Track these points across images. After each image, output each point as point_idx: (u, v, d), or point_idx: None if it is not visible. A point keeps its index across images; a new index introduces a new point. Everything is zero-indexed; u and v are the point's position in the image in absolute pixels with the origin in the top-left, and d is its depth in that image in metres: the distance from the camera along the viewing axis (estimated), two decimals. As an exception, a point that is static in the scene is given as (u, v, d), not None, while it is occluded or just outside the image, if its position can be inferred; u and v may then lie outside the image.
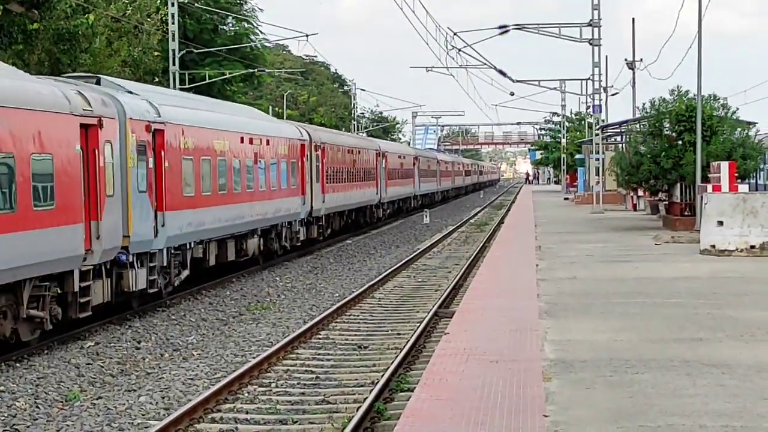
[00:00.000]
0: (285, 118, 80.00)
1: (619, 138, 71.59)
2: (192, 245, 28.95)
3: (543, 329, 18.15)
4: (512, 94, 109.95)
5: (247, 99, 77.34)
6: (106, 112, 23.17)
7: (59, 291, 21.28)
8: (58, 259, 20.81)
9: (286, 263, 38.97)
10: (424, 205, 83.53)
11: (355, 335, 22.90)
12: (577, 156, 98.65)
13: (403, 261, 38.32)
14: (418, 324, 23.11)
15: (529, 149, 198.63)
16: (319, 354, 20.65)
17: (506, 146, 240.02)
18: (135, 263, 24.80)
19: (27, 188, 19.64)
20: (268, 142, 36.46)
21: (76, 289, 21.77)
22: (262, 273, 35.57)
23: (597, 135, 67.97)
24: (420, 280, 33.54)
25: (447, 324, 20.52)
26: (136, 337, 22.76)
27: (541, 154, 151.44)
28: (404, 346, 20.01)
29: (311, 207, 43.31)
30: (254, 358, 19.70)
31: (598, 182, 66.67)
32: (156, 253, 26.15)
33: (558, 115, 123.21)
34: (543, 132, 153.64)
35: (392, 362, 18.50)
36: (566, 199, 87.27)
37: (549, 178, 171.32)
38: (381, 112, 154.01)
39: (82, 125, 21.99)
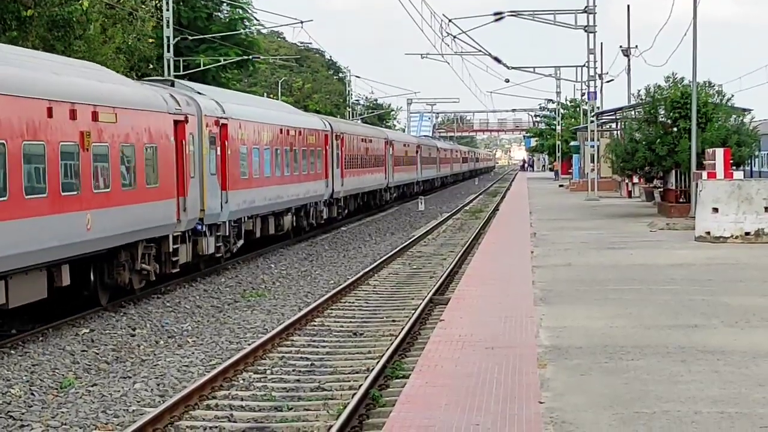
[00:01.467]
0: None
1: (614, 125, 71.65)
2: (245, 219, 35.02)
3: (538, 316, 18.16)
4: (507, 81, 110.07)
5: (241, 86, 77.26)
6: (189, 111, 29.03)
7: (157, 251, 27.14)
8: (160, 225, 26.76)
9: (281, 250, 38.99)
10: (425, 190, 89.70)
11: (350, 322, 22.91)
12: (572, 143, 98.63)
13: (398, 248, 38.33)
14: (413, 311, 23.13)
15: (524, 136, 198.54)
16: (314, 341, 20.66)
17: (501, 133, 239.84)
18: (207, 232, 30.66)
19: (142, 170, 25.51)
20: (300, 133, 42.93)
21: (170, 250, 27.70)
22: (257, 260, 35.59)
23: (592, 122, 67.97)
24: (415, 267, 33.55)
25: (442, 311, 20.52)
26: (131, 324, 22.76)
27: (536, 141, 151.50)
28: (399, 333, 20.02)
29: (332, 189, 49.52)
30: (249, 345, 19.70)
31: (593, 169, 66.67)
32: (221, 225, 32.18)
33: (553, 102, 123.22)
34: (538, 119, 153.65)
35: (387, 349, 18.51)
36: (561, 186, 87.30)
37: (544, 165, 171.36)
38: (376, 99, 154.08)
39: (174, 121, 27.87)
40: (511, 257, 28.66)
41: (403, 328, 20.57)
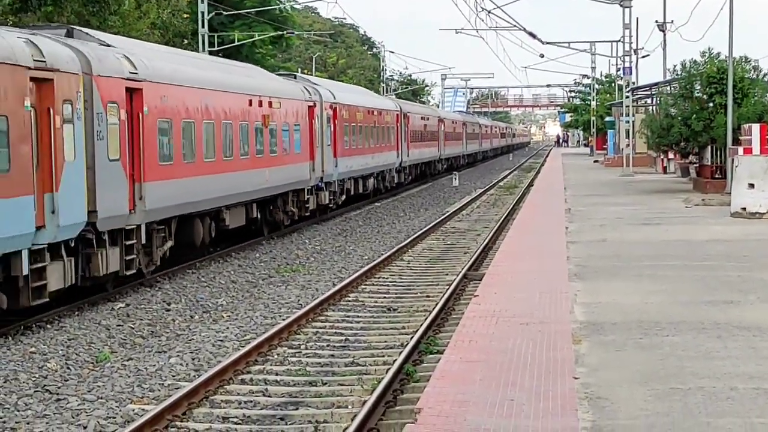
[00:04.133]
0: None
1: (649, 100, 71.25)
2: (347, 180, 45.64)
3: (573, 292, 18.12)
4: (542, 56, 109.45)
5: (275, 62, 77.25)
6: (315, 98, 39.99)
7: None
8: (301, 180, 37.34)
9: (315, 226, 39.03)
10: (470, 163, 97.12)
11: (385, 297, 22.92)
12: (607, 118, 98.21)
13: (432, 224, 38.30)
14: (448, 286, 23.11)
15: (558, 112, 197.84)
16: (348, 316, 20.69)
17: (536, 109, 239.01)
18: (324, 188, 40.72)
19: (293, 141, 36.34)
20: (380, 113, 53.38)
21: (305, 198, 38.25)
22: (291, 236, 35.65)
23: (627, 97, 67.65)
24: (449, 242, 33.52)
25: (476, 287, 20.52)
26: (165, 298, 22.85)
27: (571, 116, 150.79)
28: (434, 309, 20.02)
29: (401, 159, 58.96)
30: (284, 320, 19.75)
31: (628, 145, 66.38)
32: (333, 183, 42.25)
33: (588, 78, 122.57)
34: (573, 94, 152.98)
35: (421, 324, 18.51)
36: (596, 161, 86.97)
37: (579, 141, 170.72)
38: (410, 75, 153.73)
39: (308, 106, 38.40)
40: (546, 233, 28.60)
41: (437, 304, 20.57)
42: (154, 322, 20.27)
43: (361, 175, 48.59)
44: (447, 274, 26.11)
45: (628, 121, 67.36)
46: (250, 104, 31.68)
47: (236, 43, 61.61)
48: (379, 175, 53.34)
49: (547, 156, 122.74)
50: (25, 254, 18.71)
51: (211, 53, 52.86)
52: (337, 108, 43.11)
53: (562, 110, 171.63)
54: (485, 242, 31.07)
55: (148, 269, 24.70)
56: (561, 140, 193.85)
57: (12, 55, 18.43)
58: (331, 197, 42.36)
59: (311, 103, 39.03)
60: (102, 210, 21.70)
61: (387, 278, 25.86)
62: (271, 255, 30.47)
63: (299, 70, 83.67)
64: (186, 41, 60.76)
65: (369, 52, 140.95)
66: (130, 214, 23.13)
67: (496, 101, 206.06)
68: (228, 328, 19.53)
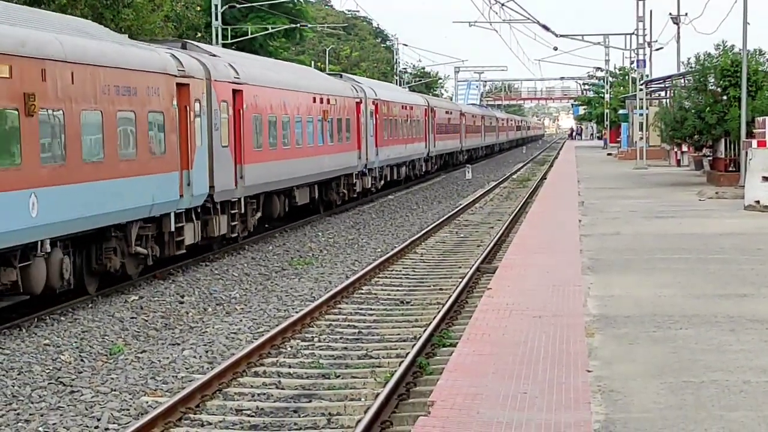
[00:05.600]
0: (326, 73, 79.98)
1: (663, 93, 71.10)
2: (385, 167, 51.78)
3: (586, 285, 18.11)
4: (555, 49, 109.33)
5: (289, 54, 77.26)
6: (362, 96, 46.65)
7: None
8: (350, 166, 43.36)
9: (328, 219, 39.06)
10: (488, 154, 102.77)
11: (398, 290, 22.92)
12: (621, 111, 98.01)
13: (446, 216, 38.28)
14: (461, 279, 23.10)
15: (572, 104, 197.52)
16: (361, 309, 20.70)
17: (549, 102, 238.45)
18: (367, 173, 47.16)
19: (345, 131, 42.70)
20: (411, 108, 59.79)
21: (353, 182, 44.45)
22: (305, 228, 35.67)
23: (641, 90, 67.53)
24: (462, 235, 33.51)
25: (489, 279, 20.51)
26: (179, 291, 22.88)
27: (584, 109, 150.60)
28: (446, 302, 20.01)
29: (428, 150, 65.72)
30: (297, 312, 19.76)
31: (641, 138, 66.27)
32: (375, 169, 48.97)
33: (602, 70, 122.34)
34: (586, 87, 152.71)
35: (434, 317, 18.51)
36: (609, 154, 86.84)
37: (592, 134, 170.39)
38: (423, 68, 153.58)
39: (356, 102, 45.34)
40: (559, 226, 28.57)
41: (450, 297, 20.56)
42: (168, 315, 20.30)
43: (396, 164, 55.03)
44: (460, 267, 26.10)
45: (641, 114, 67.26)
46: (314, 101, 38.19)
47: (249, 36, 61.62)
48: (410, 163, 59.81)
49: (560, 149, 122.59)
50: (172, 216, 24.74)
51: (224, 46, 52.88)
52: (378, 104, 49.82)
53: (576, 103, 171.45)
54: (498, 235, 31.05)
55: (242, 234, 30.64)
56: (574, 133, 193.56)
57: (165, 67, 24.57)
58: (373, 182, 49.27)
59: (358, 100, 45.85)
60: (218, 185, 27.76)
61: (400, 271, 25.86)
62: (285, 248, 30.50)
63: (312, 63, 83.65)
64: (199, 34, 60.78)
65: (382, 45, 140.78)
66: (234, 189, 29.18)
67: (510, 94, 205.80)
68: (241, 320, 19.55)
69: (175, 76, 24.87)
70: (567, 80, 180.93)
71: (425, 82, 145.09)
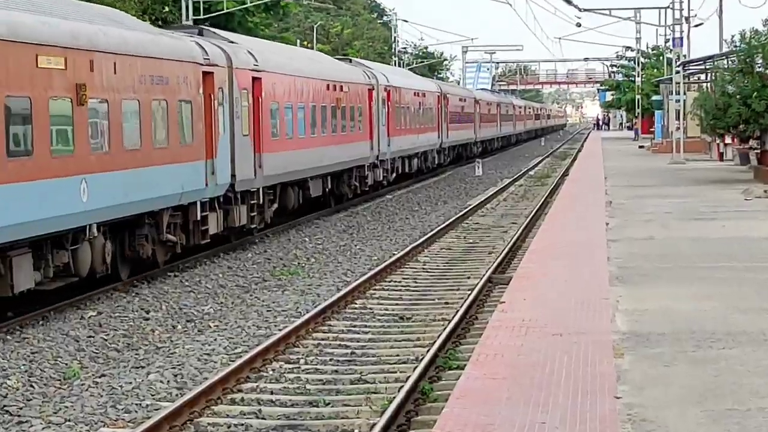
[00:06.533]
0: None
1: (703, 76, 71.18)
2: (397, 159, 55.01)
3: (614, 297, 18.11)
4: (579, 25, 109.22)
5: (271, 32, 77.23)
6: (374, 83, 49.69)
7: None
8: (363, 157, 47.08)
9: (317, 221, 39.08)
10: (504, 146, 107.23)
11: (397, 305, 22.92)
12: (654, 97, 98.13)
13: (452, 219, 38.31)
14: (469, 292, 23.11)
15: (598, 90, 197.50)
16: (354, 326, 20.69)
17: (571, 86, 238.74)
18: (379, 165, 50.59)
19: (357, 120, 46.13)
20: (423, 95, 63.21)
21: (365, 174, 47.80)
22: (289, 233, 35.69)
23: (678, 73, 67.54)
24: (471, 241, 33.52)
25: (502, 291, 20.51)
26: (144, 306, 22.87)
27: (612, 95, 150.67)
28: (453, 317, 20.02)
29: (442, 140, 68.98)
30: (280, 330, 19.76)
31: (678, 128, 66.30)
32: (386, 160, 51.92)
33: (632, 50, 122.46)
34: (614, 69, 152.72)
35: (439, 335, 18.51)
36: (641, 147, 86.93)
37: (621, 123, 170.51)
38: (426, 47, 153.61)
39: (368, 89, 48.62)
40: (583, 229, 28.58)
41: (457, 312, 20.57)
42: (131, 333, 20.29)
43: (408, 155, 58.22)
44: (469, 278, 26.11)
45: (678, 101, 67.29)
46: (327, 89, 41.43)
47: (225, 11, 61.62)
48: (422, 155, 62.96)
49: (584, 141, 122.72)
50: (198, 204, 28.17)
51: (196, 22, 52.88)
52: (390, 91, 53.00)
53: (602, 88, 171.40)
54: (513, 240, 31.06)
55: (260, 225, 33.60)
56: (601, 122, 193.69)
57: (192, 56, 28.17)
58: (384, 174, 51.78)
59: (370, 86, 48.98)
60: (239, 174, 31.00)
61: (399, 282, 25.87)
62: (266, 255, 30.50)
63: (297, 42, 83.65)
64: (166, 9, 60.79)
65: (378, 21, 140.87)
66: (254, 179, 32.35)
67: (526, 77, 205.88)
68: (216, 339, 19.54)
69: (201, 64, 28.51)
70: (592, 61, 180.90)
71: (428, 64, 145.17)
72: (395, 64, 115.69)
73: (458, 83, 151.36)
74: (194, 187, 27.82)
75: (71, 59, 21.77)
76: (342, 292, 23.15)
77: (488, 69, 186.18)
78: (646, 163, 63.95)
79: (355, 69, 49.65)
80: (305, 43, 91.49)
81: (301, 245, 32.74)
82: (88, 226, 22.53)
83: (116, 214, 23.91)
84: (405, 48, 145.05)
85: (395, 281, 25.99)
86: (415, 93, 60.63)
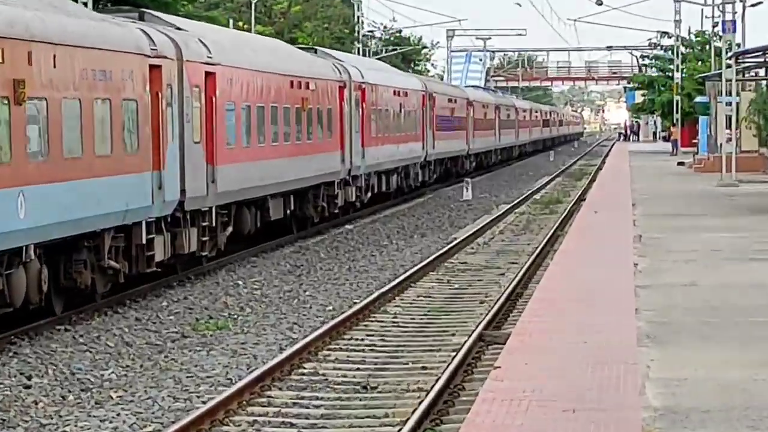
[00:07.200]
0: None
1: (762, 71, 71.40)
2: (372, 174, 57.32)
3: (644, 362, 18.13)
4: (600, 3, 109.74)
5: (193, 9, 77.23)
6: (345, 79, 51.53)
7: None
8: (333, 171, 48.33)
9: (254, 259, 39.03)
10: (503, 160, 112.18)
11: (358, 370, 22.92)
12: (698, 99, 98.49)
13: (432, 257, 38.31)
14: (454, 353, 23.11)
15: (624, 88, 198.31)
16: (302, 398, 20.68)
17: (590, 83, 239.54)
18: (351, 182, 52.44)
19: (326, 124, 47.61)
20: (406, 94, 65.87)
21: (335, 193, 49.05)
22: (218, 273, 35.62)
23: (729, 67, 67.78)
24: (457, 286, 33.54)
25: (497, 353, 20.52)
26: (24, 369, 22.78)
27: (643, 95, 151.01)
28: (432, 387, 20.02)
29: (427, 152, 71.10)
30: (204, 402, 19.72)
31: (729, 138, 66.48)
32: (359, 176, 54.01)
33: (669, 37, 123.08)
34: (646, 62, 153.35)
35: (414, 411, 18.50)
36: (681, 164, 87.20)
37: (656, 133, 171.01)
38: (399, 31, 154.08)
39: (339, 87, 50.34)
40: (605, 272, 28.62)
41: (438, 379, 20.57)
42: (6, 406, 20.20)
43: (386, 170, 60.24)
44: (453, 334, 26.12)
45: (729, 103, 67.48)
46: (291, 86, 42.67)
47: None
48: (403, 171, 65.06)
49: (606, 155, 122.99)
50: (143, 225, 29.44)
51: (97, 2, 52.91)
52: (365, 89, 54.82)
53: (630, 86, 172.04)
54: (512, 285, 31.09)
55: (211, 253, 35.08)
56: (629, 131, 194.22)
57: (138, 46, 29.13)
58: (358, 194, 53.36)
59: (341, 83, 50.64)
60: (189, 190, 32.19)
61: (362, 341, 25.85)
62: (186, 303, 30.42)
63: (230, 22, 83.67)
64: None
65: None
66: (206, 196, 33.54)
67: (531, 72, 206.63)
68: (119, 415, 19.48)
69: (148, 56, 29.82)
70: (617, 51, 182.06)
71: (402, 53, 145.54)
72: (358, 53, 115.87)
73: (441, 78, 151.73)
74: (140, 204, 29.20)
75: (8, 51, 23.04)
76: (286, 353, 23.11)
77: (481, 60, 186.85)
78: (687, 185, 64.13)
79: (323, 62, 50.74)
80: (240, 23, 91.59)
81: (233, 290, 32.69)
82: (24, 248, 23.94)
83: (56, 233, 25.36)
84: (372, 31, 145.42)
85: (357, 339, 25.96)
86: (395, 92, 62.23)
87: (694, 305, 23.59)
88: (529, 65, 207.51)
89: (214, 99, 34.42)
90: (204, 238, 33.91)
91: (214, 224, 34.79)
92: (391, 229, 49.83)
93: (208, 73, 34.19)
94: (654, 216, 43.83)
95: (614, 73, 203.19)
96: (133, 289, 31.40)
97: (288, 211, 43.43)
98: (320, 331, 25.49)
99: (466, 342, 23.77)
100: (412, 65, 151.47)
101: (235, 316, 28.84)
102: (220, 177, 34.68)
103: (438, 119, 75.13)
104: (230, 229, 36.95)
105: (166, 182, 30.60)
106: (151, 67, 29.95)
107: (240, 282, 34.19)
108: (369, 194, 55.54)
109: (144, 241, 29.74)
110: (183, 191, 32.04)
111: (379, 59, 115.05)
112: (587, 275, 28.45)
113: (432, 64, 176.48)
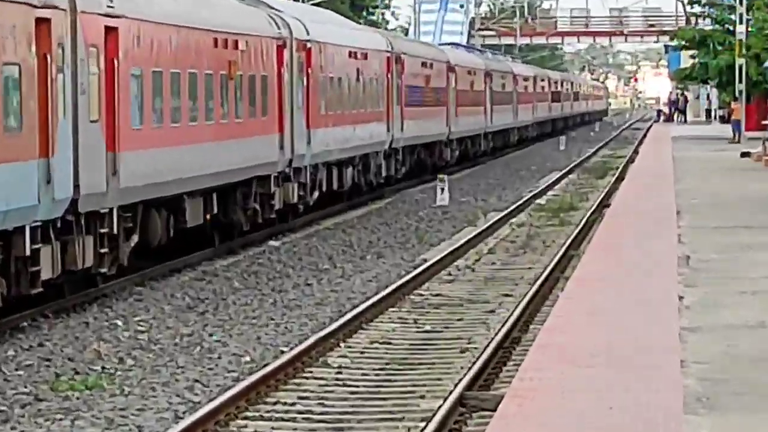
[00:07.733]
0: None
1: None
2: (319, 166, 61.20)
3: (693, 435, 18.15)
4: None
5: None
6: (286, 36, 53.77)
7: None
8: (268, 161, 50.47)
9: (138, 289, 38.90)
10: (464, 157, 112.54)
11: (288, 449, 22.95)
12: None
13: (393, 286, 38.31)
14: (424, 423, 23.11)
15: (666, 48, 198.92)
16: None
17: (617, 41, 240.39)
18: (293, 177, 55.30)
19: (259, 104, 49.56)
20: (365, 56, 72.26)
21: (270, 191, 50.68)
22: (90, 308, 35.47)
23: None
24: (428, 328, 33.61)
25: (485, 424, 20.51)
26: None
27: (693, 57, 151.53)
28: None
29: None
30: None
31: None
32: (304, 168, 56.82)
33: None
34: (696, 11, 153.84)
35: None
36: (745, 155, 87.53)
37: (709, 111, 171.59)
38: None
39: (277, 46, 52.24)
40: (636, 308, 28.66)
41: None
42: None
43: (339, 160, 63.32)
44: (422, 397, 26.14)
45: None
46: (216, 45, 43.71)
47: None
48: (360, 161, 68.40)
49: (640, 142, 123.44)
50: (27, 232, 30.00)
51: None
52: (311, 49, 57.09)
53: (674, 44, 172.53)
54: (505, 327, 31.10)
55: (110, 270, 35.96)
56: (672, 108, 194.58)
57: None
58: (301, 193, 55.30)
59: (280, 42, 52.31)
60: (83, 185, 33.04)
61: (292, 407, 25.84)
62: (44, 350, 30.36)
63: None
64: None
65: None
66: (105, 194, 34.48)
67: (534, 23, 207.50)
68: None
69: (35, 6, 30.12)
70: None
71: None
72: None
73: (406, 33, 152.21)
74: (22, 202, 29.76)
75: None
76: (183, 425, 23.05)
77: (462, 6, 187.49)
78: (755, 185, 64.36)
79: (255, 11, 50.77)
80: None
81: (111, 331, 32.63)
82: None
83: None
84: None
85: (284, 404, 25.96)
86: (351, 53, 64.04)
87: (764, 355, 23.61)
88: (531, 14, 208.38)
89: (116, 63, 35.07)
90: (102, 250, 34.43)
91: (115, 231, 35.39)
92: (334, 246, 49.91)
93: (108, 29, 34.29)
94: (707, 229, 44.00)
95: (651, 25, 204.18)
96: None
97: (208, 216, 43.34)
98: (233, 392, 25.44)
99: (440, 408, 23.75)
100: (365, 13, 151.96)
101: (112, 371, 28.78)
102: (123, 168, 35.42)
103: (408, 91, 76.89)
104: (135, 237, 37.72)
105: (56, 174, 30.98)
106: (38, 21, 29.95)
107: (119, 321, 34.11)
108: (316, 194, 56.14)
109: (28, 253, 29.94)
110: (77, 187, 32.53)
111: (316, 5, 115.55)
112: (612, 312, 28.45)
113: (392, 12, 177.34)
